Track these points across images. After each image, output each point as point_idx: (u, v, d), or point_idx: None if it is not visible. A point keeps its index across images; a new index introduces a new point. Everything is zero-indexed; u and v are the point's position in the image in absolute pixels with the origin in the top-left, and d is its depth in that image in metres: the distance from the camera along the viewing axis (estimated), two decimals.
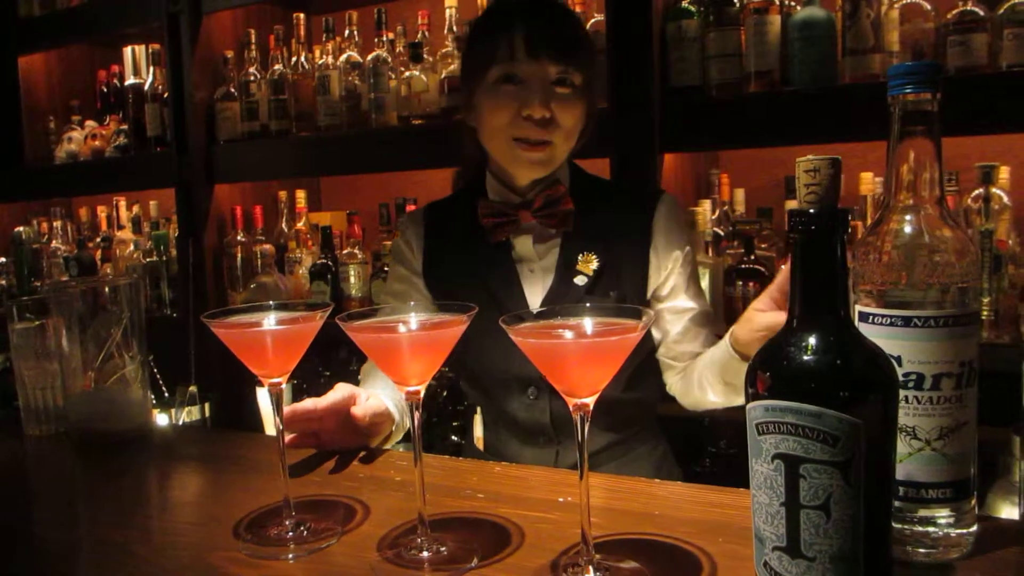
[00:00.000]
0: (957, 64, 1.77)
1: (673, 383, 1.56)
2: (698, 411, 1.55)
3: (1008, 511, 1.45)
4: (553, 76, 1.42)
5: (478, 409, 1.68)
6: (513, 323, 0.86)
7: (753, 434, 0.75)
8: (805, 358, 0.73)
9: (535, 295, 1.51)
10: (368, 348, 0.94)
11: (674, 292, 1.53)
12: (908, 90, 0.83)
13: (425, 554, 0.94)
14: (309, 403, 1.27)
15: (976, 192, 1.86)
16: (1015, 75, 1.72)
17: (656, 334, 1.54)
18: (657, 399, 1.62)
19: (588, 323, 0.88)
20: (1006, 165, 1.89)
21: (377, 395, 1.37)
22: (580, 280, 1.48)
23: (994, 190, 1.85)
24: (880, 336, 0.83)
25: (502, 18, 1.46)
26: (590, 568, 0.87)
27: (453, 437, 2.39)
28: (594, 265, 1.48)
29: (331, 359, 2.56)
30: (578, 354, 0.85)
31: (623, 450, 1.55)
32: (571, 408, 0.85)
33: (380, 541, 1.00)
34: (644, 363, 1.52)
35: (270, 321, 1.05)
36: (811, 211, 0.73)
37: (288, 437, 1.27)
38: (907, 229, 0.85)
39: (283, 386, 1.05)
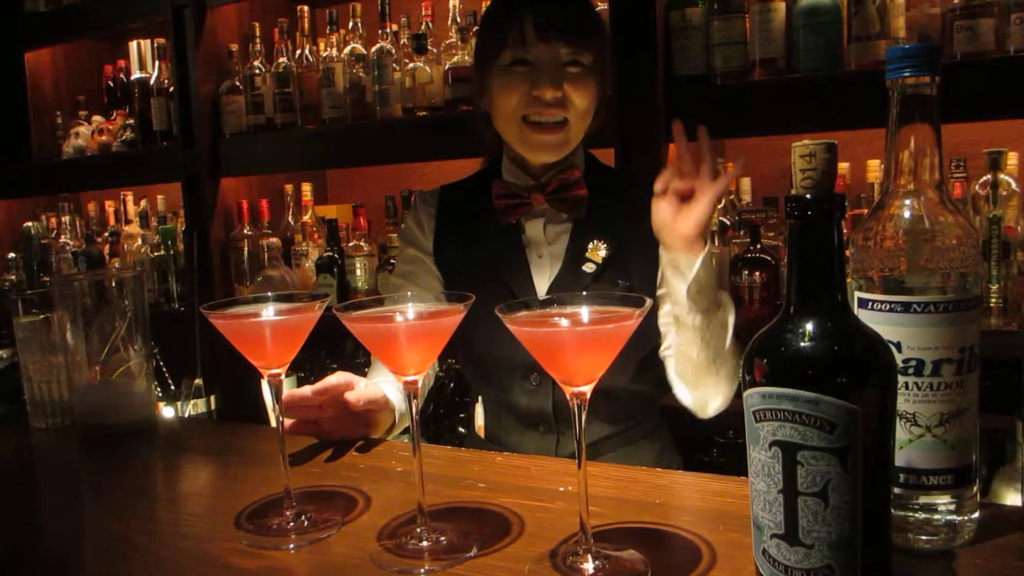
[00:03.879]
0: (964, 49, 1.75)
1: (671, 376, 1.51)
2: (704, 407, 1.46)
3: (1012, 498, 1.44)
4: (564, 58, 1.42)
5: (479, 398, 1.68)
6: (509, 311, 0.86)
7: (750, 421, 0.75)
8: (802, 344, 0.72)
9: (543, 280, 1.50)
10: (364, 338, 0.94)
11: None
12: (907, 73, 0.82)
13: (425, 544, 0.94)
14: (308, 389, 1.28)
15: (984, 178, 1.85)
16: (1023, 60, 1.71)
17: (662, 328, 1.52)
18: (659, 392, 1.61)
19: (585, 311, 0.88)
20: (1014, 151, 1.88)
21: (377, 384, 1.37)
22: (588, 267, 1.47)
23: (1002, 176, 1.83)
24: (880, 322, 0.82)
25: (512, 3, 1.46)
26: (589, 557, 0.86)
27: (460, 429, 2.39)
28: (603, 253, 1.48)
29: (337, 351, 2.56)
30: (574, 342, 0.84)
31: (624, 440, 1.53)
32: (568, 396, 0.85)
33: (380, 531, 1.00)
34: (647, 356, 1.50)
35: (268, 312, 1.05)
36: (807, 196, 0.72)
37: (287, 423, 1.27)
38: (907, 214, 0.84)
39: (283, 377, 1.05)
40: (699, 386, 1.43)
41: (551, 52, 1.42)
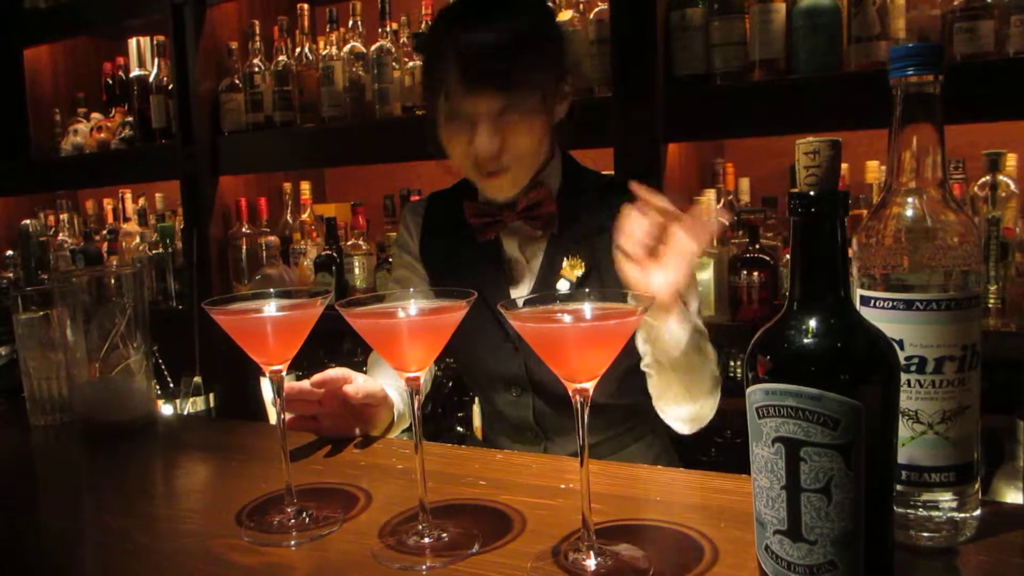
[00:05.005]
0: (964, 51, 1.75)
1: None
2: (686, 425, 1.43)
3: (1013, 496, 1.44)
4: (498, 107, 1.34)
5: (476, 400, 1.68)
6: (512, 308, 0.86)
7: (753, 418, 0.75)
8: (805, 341, 0.72)
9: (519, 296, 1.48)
10: (367, 334, 0.94)
11: None
12: (910, 72, 0.83)
13: (426, 540, 0.94)
14: (306, 381, 1.28)
15: (983, 180, 1.85)
16: (1022, 62, 1.71)
17: (639, 348, 1.47)
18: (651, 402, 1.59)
19: (587, 308, 0.88)
20: (1013, 152, 1.89)
21: (376, 380, 1.37)
22: (563, 285, 1.45)
23: (1001, 177, 1.84)
24: (882, 320, 0.82)
25: (438, 46, 1.37)
26: (591, 553, 0.86)
27: (459, 428, 2.39)
28: (579, 271, 1.44)
29: (335, 350, 2.56)
30: (577, 338, 0.84)
31: (618, 444, 1.53)
32: (570, 393, 0.85)
33: (381, 528, 1.00)
34: (636, 367, 1.49)
35: (270, 308, 1.05)
36: (811, 193, 0.72)
37: (287, 417, 1.27)
38: (909, 212, 0.84)
39: (284, 374, 1.05)
40: (680, 410, 1.39)
41: (484, 104, 1.33)
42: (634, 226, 1.13)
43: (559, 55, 1.45)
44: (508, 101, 1.34)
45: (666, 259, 1.13)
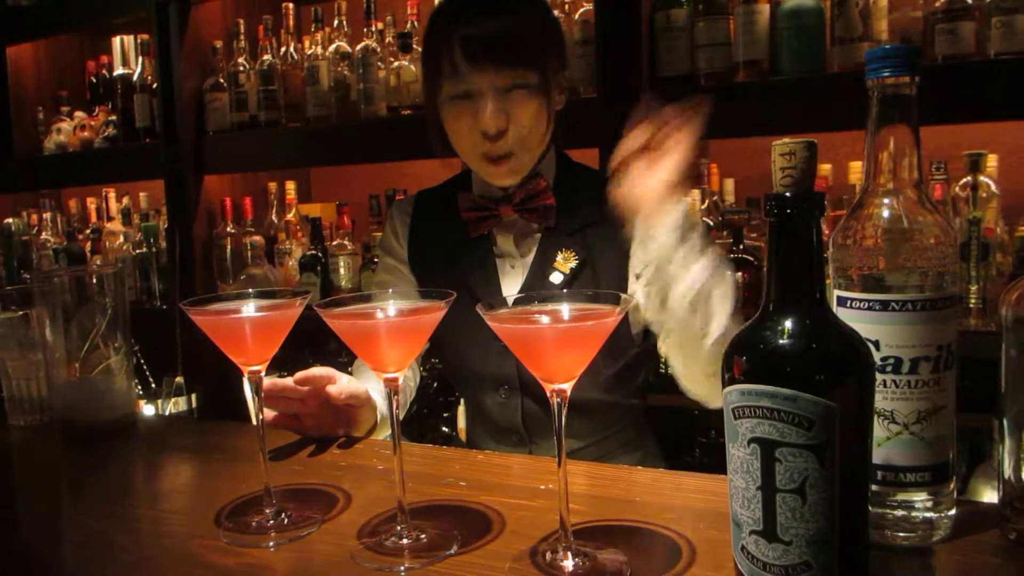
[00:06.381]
0: (945, 52, 1.77)
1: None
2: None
3: (991, 495, 1.45)
4: (504, 83, 1.36)
5: (462, 401, 1.68)
6: (490, 309, 0.86)
7: (729, 419, 0.75)
8: (780, 342, 0.73)
9: (511, 291, 1.48)
10: (345, 335, 0.94)
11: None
12: (886, 74, 0.83)
13: (405, 541, 0.94)
14: (289, 378, 1.27)
15: (964, 180, 1.87)
16: (1003, 63, 1.72)
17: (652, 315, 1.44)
18: (639, 403, 1.59)
19: (565, 308, 0.88)
20: (994, 153, 1.90)
21: (360, 382, 1.36)
22: (556, 278, 1.45)
23: (982, 178, 1.85)
24: (858, 320, 0.82)
25: (442, 29, 1.39)
26: (569, 554, 0.87)
27: (444, 428, 2.39)
28: (572, 264, 1.44)
29: (320, 350, 2.55)
30: (554, 339, 0.84)
31: (599, 450, 1.52)
32: (548, 394, 0.85)
33: (360, 529, 1.00)
34: (625, 367, 1.49)
35: (249, 308, 1.05)
36: (787, 194, 0.73)
37: (268, 415, 1.26)
38: (886, 213, 0.84)
39: (263, 375, 1.04)
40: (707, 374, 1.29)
41: (488, 80, 1.35)
42: (625, 144, 1.20)
43: (559, 42, 1.49)
44: (513, 77, 1.36)
45: (653, 161, 1.19)
